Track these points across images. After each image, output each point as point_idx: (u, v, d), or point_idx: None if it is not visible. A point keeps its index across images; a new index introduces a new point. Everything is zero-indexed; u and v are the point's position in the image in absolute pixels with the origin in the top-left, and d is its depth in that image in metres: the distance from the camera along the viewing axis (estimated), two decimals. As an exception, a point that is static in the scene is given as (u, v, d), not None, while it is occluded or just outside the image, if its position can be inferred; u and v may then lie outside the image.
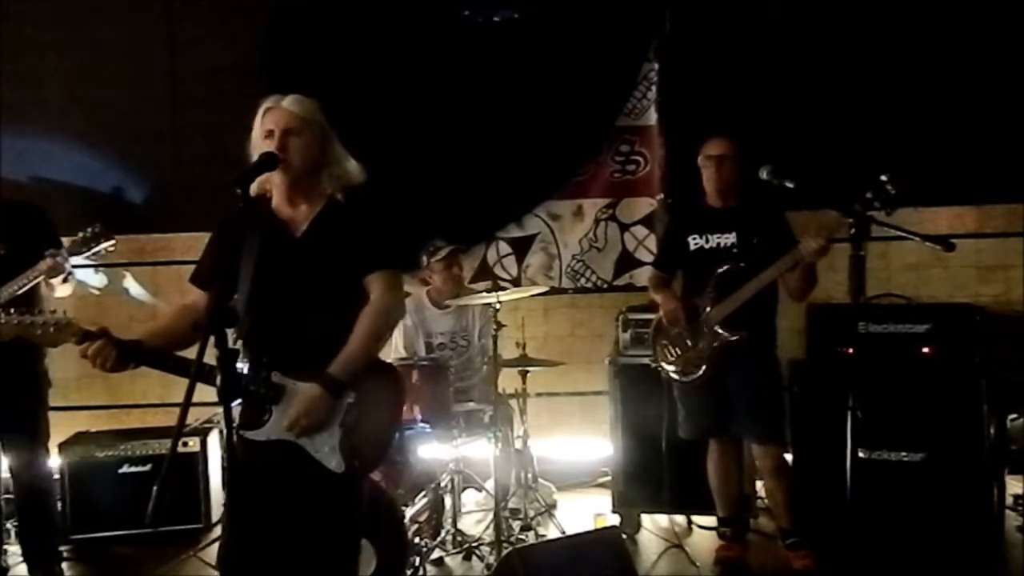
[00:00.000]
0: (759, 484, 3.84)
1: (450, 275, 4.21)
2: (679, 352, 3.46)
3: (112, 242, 3.24)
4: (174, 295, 2.43)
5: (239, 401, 2.18)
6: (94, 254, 3.23)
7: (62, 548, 3.76)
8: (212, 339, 1.79)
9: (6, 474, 3.62)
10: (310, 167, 2.27)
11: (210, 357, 1.79)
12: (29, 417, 3.46)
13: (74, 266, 3.24)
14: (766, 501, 3.70)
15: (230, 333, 1.88)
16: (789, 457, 3.61)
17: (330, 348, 2.23)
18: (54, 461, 4.01)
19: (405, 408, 3.51)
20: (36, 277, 3.16)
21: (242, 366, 2.17)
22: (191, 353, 2.16)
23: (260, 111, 2.27)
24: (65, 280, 3.26)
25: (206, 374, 1.80)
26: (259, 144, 2.24)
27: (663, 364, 3.56)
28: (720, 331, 3.32)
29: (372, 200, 2.37)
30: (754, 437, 3.42)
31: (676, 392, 3.58)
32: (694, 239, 3.49)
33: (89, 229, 3.22)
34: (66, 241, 3.33)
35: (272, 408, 2.20)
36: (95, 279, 3.27)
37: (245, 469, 2.14)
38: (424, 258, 4.24)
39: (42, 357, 3.44)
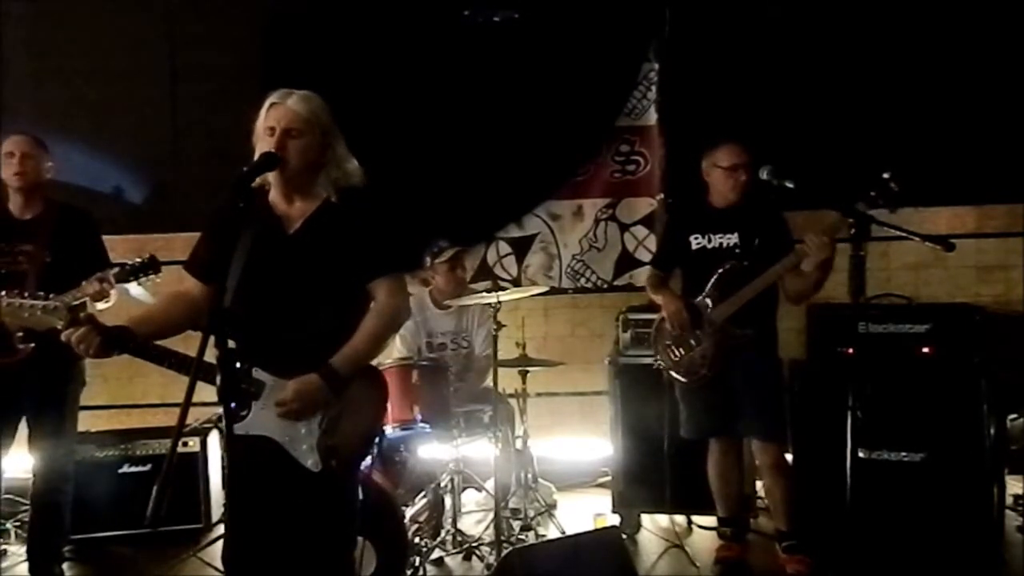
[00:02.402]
0: (759, 484, 3.84)
1: (454, 276, 4.22)
2: (682, 352, 3.46)
3: (160, 274, 3.26)
4: (181, 286, 2.42)
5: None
6: (140, 283, 3.27)
7: (63, 549, 3.77)
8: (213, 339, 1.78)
9: (7, 474, 3.63)
10: (308, 167, 2.27)
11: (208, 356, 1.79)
12: (60, 415, 3.48)
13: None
14: (765, 501, 3.70)
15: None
16: (789, 457, 3.61)
17: (317, 348, 2.23)
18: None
19: (405, 408, 3.55)
20: (81, 298, 3.18)
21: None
22: (181, 342, 2.18)
23: (265, 105, 2.26)
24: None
25: (200, 370, 1.79)
26: (262, 137, 2.24)
27: (666, 365, 3.56)
28: (724, 330, 3.33)
29: (370, 202, 2.36)
30: (756, 434, 3.42)
31: (678, 392, 3.58)
32: (696, 239, 3.49)
33: (138, 259, 3.26)
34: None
35: (251, 403, 2.19)
36: (137, 291, 3.32)
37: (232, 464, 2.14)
38: (427, 259, 4.25)
39: (82, 359, 3.40)
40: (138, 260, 3.25)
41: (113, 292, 3.24)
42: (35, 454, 3.49)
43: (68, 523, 3.65)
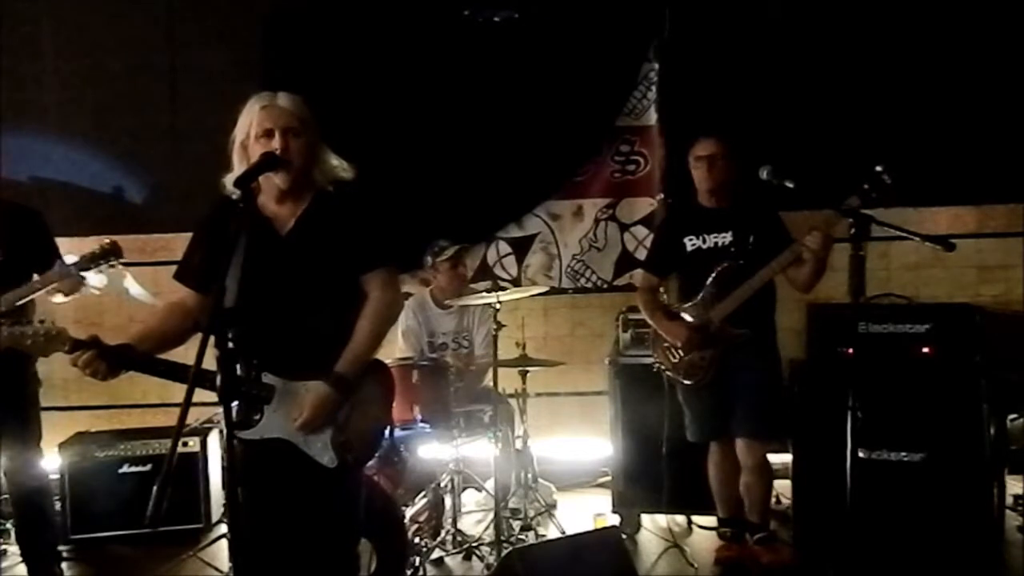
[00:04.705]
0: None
1: (456, 274, 4.23)
2: (681, 354, 3.46)
3: (121, 258, 3.24)
4: (174, 295, 2.42)
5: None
6: (102, 269, 3.24)
7: (62, 548, 3.76)
8: (212, 340, 1.78)
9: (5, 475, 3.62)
10: (307, 166, 2.27)
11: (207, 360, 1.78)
12: (22, 417, 3.43)
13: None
14: (743, 495, 3.62)
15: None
16: (781, 457, 3.61)
17: (321, 346, 2.24)
18: (54, 461, 4.02)
19: (405, 408, 3.55)
20: (44, 288, 3.18)
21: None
22: (182, 352, 2.17)
23: (254, 108, 2.25)
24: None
25: (203, 378, 1.79)
26: (254, 141, 2.23)
27: (665, 367, 3.56)
28: (722, 330, 3.33)
29: (362, 196, 2.37)
30: (743, 433, 3.43)
31: (680, 395, 3.58)
32: (691, 240, 3.49)
33: (99, 246, 3.22)
34: (69, 253, 3.34)
35: (263, 408, 2.21)
36: (95, 279, 3.27)
37: (241, 468, 2.14)
38: (428, 258, 4.26)
39: (33, 359, 3.40)
40: (98, 247, 3.21)
41: (81, 286, 3.23)
42: (5, 458, 3.44)
43: (56, 520, 3.63)
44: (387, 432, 2.75)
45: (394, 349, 4.10)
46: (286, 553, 2.23)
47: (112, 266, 3.22)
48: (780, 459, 3.69)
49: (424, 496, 3.60)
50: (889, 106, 4.50)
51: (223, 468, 4.26)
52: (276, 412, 2.22)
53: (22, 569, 3.57)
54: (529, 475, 4.09)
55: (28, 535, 3.55)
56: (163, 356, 2.23)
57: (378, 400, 2.37)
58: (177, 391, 1.77)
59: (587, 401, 4.74)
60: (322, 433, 2.23)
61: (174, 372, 2.17)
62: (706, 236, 3.46)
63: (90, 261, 3.20)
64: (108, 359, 2.12)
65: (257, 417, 2.20)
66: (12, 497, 3.52)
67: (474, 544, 3.63)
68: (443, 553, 3.62)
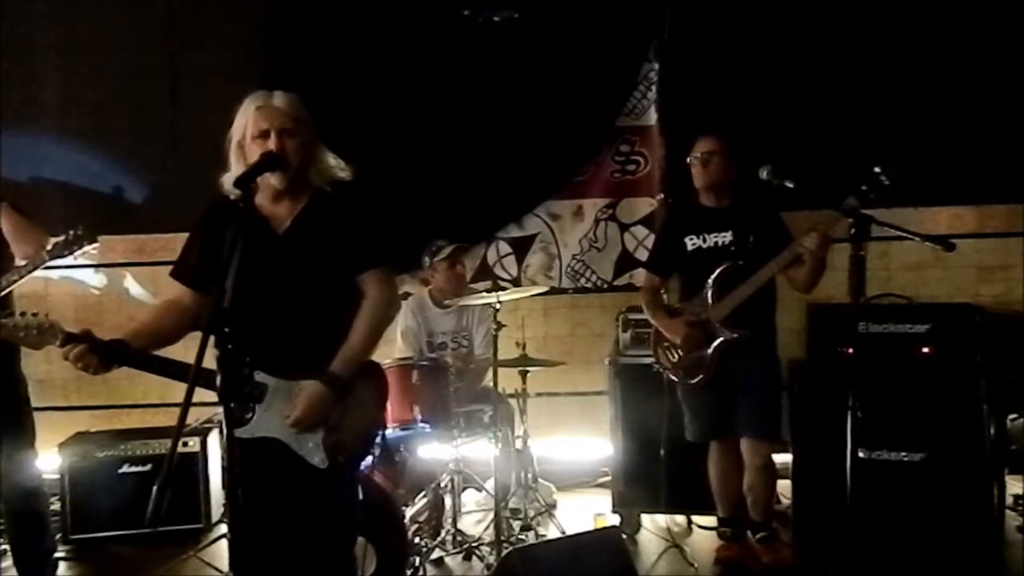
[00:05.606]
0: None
1: (454, 274, 4.23)
2: (681, 354, 3.46)
3: (95, 244, 3.21)
4: (171, 293, 2.41)
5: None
6: (76, 256, 3.21)
7: (61, 550, 3.74)
8: (212, 340, 1.77)
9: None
10: (304, 165, 2.27)
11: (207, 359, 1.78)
12: (14, 419, 3.36)
13: (72, 266, 3.20)
14: (746, 494, 3.62)
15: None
16: (781, 457, 3.62)
17: (317, 345, 2.24)
18: (54, 461, 4.02)
19: (405, 408, 3.55)
20: (18, 280, 3.16)
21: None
22: (181, 352, 2.16)
23: (249, 109, 2.25)
24: None
25: (201, 378, 1.78)
26: (248, 143, 2.23)
27: (665, 367, 3.56)
28: (722, 330, 3.33)
29: (358, 196, 2.37)
30: (749, 433, 3.43)
31: (680, 394, 3.59)
32: (691, 239, 3.50)
33: (72, 232, 3.19)
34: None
35: (255, 406, 2.19)
36: (95, 279, 3.23)
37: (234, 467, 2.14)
38: (426, 258, 4.26)
39: (18, 360, 3.35)
40: (72, 233, 3.18)
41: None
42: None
43: (51, 528, 3.55)
44: (379, 431, 2.74)
45: (393, 349, 4.10)
46: (282, 553, 2.23)
47: (86, 244, 3.18)
48: (780, 459, 3.68)
49: (424, 496, 3.60)
50: (889, 106, 4.50)
51: (223, 468, 4.26)
52: (268, 411, 2.22)
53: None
54: (529, 475, 4.09)
55: (22, 540, 3.43)
56: (159, 353, 2.22)
57: (372, 401, 2.36)
58: (177, 391, 1.76)
59: (587, 401, 4.74)
60: (314, 433, 2.22)
61: (167, 368, 2.17)
62: (707, 236, 3.47)
63: (64, 248, 3.18)
64: (100, 353, 2.11)
65: (249, 416, 2.18)
66: (5, 499, 3.40)
67: (474, 544, 3.63)
68: (443, 553, 3.62)
